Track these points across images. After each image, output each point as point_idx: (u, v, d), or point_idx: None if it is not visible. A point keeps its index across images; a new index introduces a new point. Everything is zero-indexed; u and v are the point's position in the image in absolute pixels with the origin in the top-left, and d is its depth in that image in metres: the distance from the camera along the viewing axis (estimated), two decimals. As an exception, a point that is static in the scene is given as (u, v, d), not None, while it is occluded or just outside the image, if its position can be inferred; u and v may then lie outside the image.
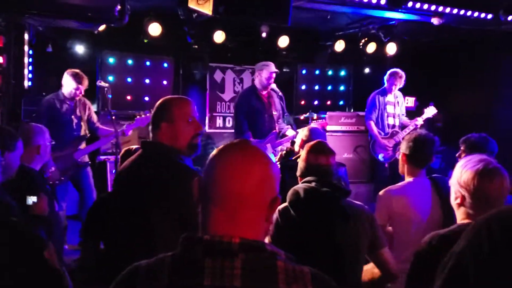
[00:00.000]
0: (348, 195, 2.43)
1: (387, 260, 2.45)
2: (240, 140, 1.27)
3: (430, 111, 6.17)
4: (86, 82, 4.97)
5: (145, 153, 2.19)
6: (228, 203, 1.15)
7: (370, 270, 2.50)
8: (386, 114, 6.24)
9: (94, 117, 5.29)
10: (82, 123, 5.11)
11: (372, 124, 6.22)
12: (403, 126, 6.26)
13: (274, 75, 5.43)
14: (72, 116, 5.02)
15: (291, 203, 2.38)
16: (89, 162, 5.18)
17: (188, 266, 1.10)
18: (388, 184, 3.09)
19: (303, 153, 2.60)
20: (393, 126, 6.28)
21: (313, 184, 2.39)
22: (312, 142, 2.64)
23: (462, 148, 3.48)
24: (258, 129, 5.46)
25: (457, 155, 3.55)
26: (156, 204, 1.96)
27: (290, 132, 5.56)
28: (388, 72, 6.23)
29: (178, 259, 1.13)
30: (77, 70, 4.96)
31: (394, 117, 6.30)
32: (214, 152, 1.22)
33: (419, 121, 6.11)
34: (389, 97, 6.26)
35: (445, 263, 1.43)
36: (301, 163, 2.56)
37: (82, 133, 5.11)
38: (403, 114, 6.43)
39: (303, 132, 3.72)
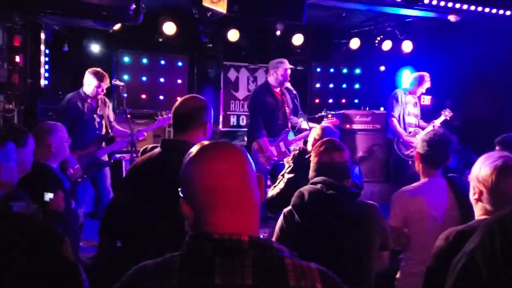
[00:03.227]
0: (357, 197, 2.36)
1: (384, 260, 2.46)
2: (206, 143, 1.25)
3: (445, 114, 6.09)
4: (107, 80, 4.97)
5: (172, 151, 2.17)
6: (233, 201, 1.15)
7: None
8: (407, 112, 6.16)
9: (112, 116, 5.30)
10: (103, 122, 5.12)
11: (395, 121, 6.10)
12: (421, 128, 6.18)
13: (289, 71, 5.40)
14: (94, 115, 5.01)
15: (295, 206, 2.33)
16: (111, 161, 5.20)
17: (198, 265, 1.10)
18: (412, 182, 3.04)
19: (312, 154, 2.54)
20: (415, 125, 6.19)
21: (319, 186, 2.33)
22: (321, 141, 2.58)
23: (497, 148, 3.39)
24: (272, 127, 5.43)
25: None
26: None
27: (304, 124, 5.50)
28: (415, 76, 6.15)
29: (187, 258, 1.13)
30: (98, 69, 4.97)
31: (415, 116, 6.23)
32: (187, 162, 1.20)
33: (437, 123, 6.04)
34: (409, 97, 6.19)
35: (457, 261, 1.43)
36: (312, 165, 2.52)
37: (104, 131, 5.12)
38: (419, 116, 6.35)
39: (315, 131, 3.68)
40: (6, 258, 1.74)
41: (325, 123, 5.56)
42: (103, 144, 5.09)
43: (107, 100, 5.26)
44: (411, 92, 6.18)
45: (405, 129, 6.13)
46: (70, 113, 4.86)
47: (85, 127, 4.89)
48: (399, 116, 6.12)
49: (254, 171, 1.22)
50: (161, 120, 5.25)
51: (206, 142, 1.25)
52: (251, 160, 1.23)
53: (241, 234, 1.12)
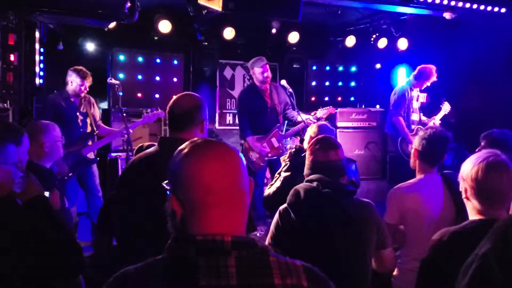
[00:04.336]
0: (352, 195, 2.36)
1: (386, 260, 2.44)
2: (200, 140, 1.24)
3: (445, 108, 6.05)
4: (90, 78, 4.98)
5: (170, 149, 2.18)
6: (223, 200, 1.14)
7: None
8: (411, 110, 6.03)
9: (97, 115, 5.29)
10: (87, 120, 5.11)
11: (402, 120, 5.90)
12: (422, 124, 6.09)
13: (267, 66, 5.42)
14: (77, 113, 5.02)
15: (290, 204, 2.33)
16: (97, 159, 5.18)
17: (182, 268, 1.09)
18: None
19: (307, 152, 2.54)
20: (417, 122, 6.08)
21: (314, 184, 2.33)
22: (316, 138, 2.57)
23: (482, 144, 3.38)
24: (261, 124, 5.51)
25: (476, 150, 3.47)
26: None
27: (302, 116, 5.48)
28: (422, 69, 6.00)
29: (171, 261, 1.11)
30: (80, 67, 4.98)
31: (417, 112, 6.13)
32: (180, 157, 1.18)
33: (437, 120, 6.00)
34: (414, 91, 6.06)
35: (468, 265, 1.41)
36: (307, 162, 2.51)
37: (89, 129, 5.11)
38: (419, 109, 6.25)
39: (311, 129, 3.69)
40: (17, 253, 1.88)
41: (320, 112, 5.54)
42: (90, 141, 5.07)
43: (92, 99, 5.25)
44: (416, 86, 6.03)
45: (409, 126, 5.99)
46: (49, 113, 4.85)
47: (67, 125, 4.82)
48: (403, 114, 5.97)
49: (246, 173, 1.20)
50: (146, 117, 5.25)
51: (199, 140, 1.24)
52: (244, 162, 1.22)
53: (224, 235, 1.10)
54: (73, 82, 4.92)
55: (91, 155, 5.09)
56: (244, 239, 1.12)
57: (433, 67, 5.97)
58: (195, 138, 1.25)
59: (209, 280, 1.06)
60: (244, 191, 1.18)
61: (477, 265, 1.38)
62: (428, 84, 6.04)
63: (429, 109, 6.43)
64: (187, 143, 1.22)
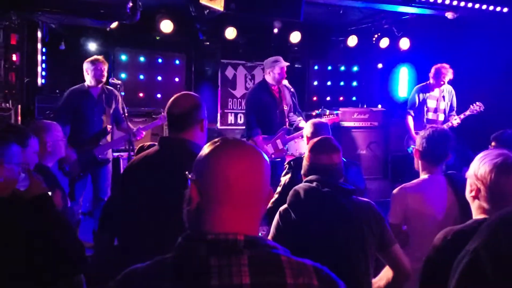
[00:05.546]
0: (351, 194, 2.35)
1: (399, 257, 2.37)
2: (233, 138, 1.26)
3: (472, 108, 5.93)
4: (105, 63, 4.86)
5: (170, 149, 2.20)
6: (239, 200, 1.15)
7: (384, 275, 2.43)
8: (425, 109, 6.04)
9: (121, 109, 5.05)
10: (103, 117, 4.94)
11: (410, 118, 6.04)
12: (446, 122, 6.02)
13: (285, 68, 5.41)
14: (95, 109, 4.87)
15: (291, 205, 2.33)
16: (110, 160, 5.08)
17: (193, 267, 1.08)
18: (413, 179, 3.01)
19: (306, 151, 2.54)
20: (435, 121, 6.01)
21: (314, 184, 2.32)
22: (315, 140, 2.55)
23: (493, 144, 3.34)
24: (269, 125, 5.44)
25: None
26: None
27: (303, 124, 5.49)
28: (435, 68, 5.96)
29: (181, 260, 1.11)
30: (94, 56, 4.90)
31: (436, 111, 6.07)
32: (209, 150, 1.20)
33: (457, 119, 5.90)
34: (432, 92, 6.04)
35: (459, 260, 1.42)
36: (304, 162, 2.51)
37: (104, 126, 4.95)
38: (451, 109, 6.14)
39: (307, 130, 3.68)
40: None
41: (325, 120, 5.56)
42: (109, 138, 4.99)
43: (115, 92, 5.05)
44: (435, 85, 6.01)
45: (421, 125, 5.94)
46: (66, 105, 4.75)
47: (83, 120, 4.77)
48: (416, 112, 6.03)
49: (268, 180, 1.22)
50: (162, 117, 5.17)
51: (231, 137, 1.26)
52: (267, 162, 1.23)
53: (237, 234, 1.10)
54: (89, 71, 4.78)
55: (108, 154, 4.99)
56: (256, 238, 1.13)
57: (444, 65, 5.91)
58: (232, 137, 1.28)
59: (221, 279, 1.06)
60: (262, 196, 1.20)
61: (467, 260, 1.38)
62: (444, 82, 5.96)
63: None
64: (219, 138, 1.25)
